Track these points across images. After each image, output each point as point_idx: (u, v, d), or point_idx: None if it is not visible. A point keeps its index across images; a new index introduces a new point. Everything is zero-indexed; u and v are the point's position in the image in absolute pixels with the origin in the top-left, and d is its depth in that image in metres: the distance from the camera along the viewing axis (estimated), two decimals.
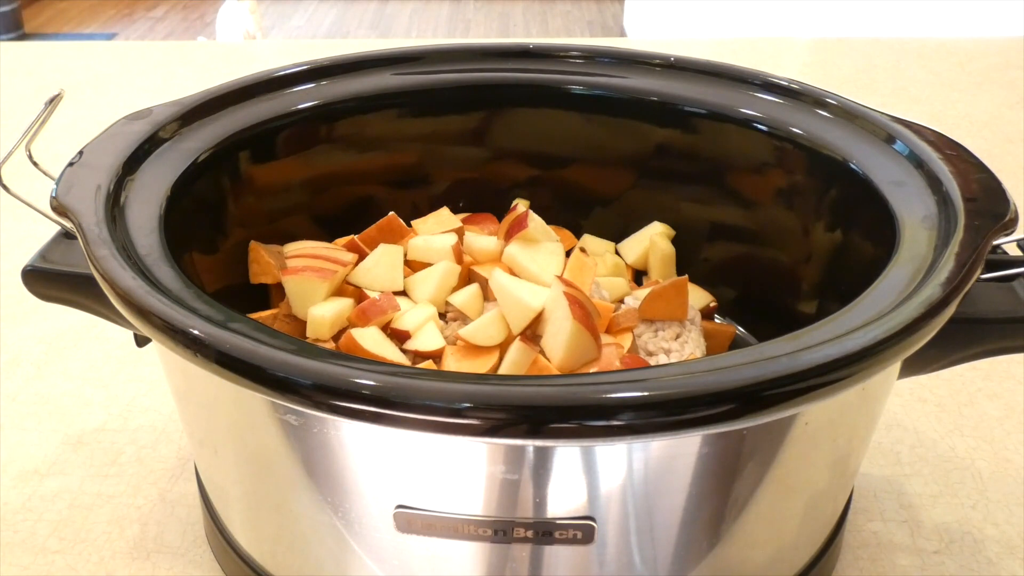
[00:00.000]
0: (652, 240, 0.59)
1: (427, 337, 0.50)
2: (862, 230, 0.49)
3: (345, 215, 0.59)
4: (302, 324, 0.51)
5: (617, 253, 0.61)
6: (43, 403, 0.62)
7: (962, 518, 0.54)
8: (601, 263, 0.58)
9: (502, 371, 0.47)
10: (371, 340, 0.49)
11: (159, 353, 0.45)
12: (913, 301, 0.37)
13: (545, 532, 0.37)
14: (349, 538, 0.40)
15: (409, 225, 0.57)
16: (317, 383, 0.33)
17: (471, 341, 0.49)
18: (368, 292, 0.53)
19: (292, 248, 0.55)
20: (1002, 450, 0.58)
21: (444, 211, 0.58)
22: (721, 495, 0.39)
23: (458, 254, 0.54)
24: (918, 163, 0.48)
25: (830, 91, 0.54)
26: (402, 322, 0.50)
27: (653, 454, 0.36)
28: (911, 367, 0.42)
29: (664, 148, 0.58)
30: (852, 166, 0.49)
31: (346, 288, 0.54)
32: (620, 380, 0.33)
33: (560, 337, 0.46)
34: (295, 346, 0.34)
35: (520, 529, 0.37)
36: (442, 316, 0.53)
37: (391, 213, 0.56)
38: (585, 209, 0.62)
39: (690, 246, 0.60)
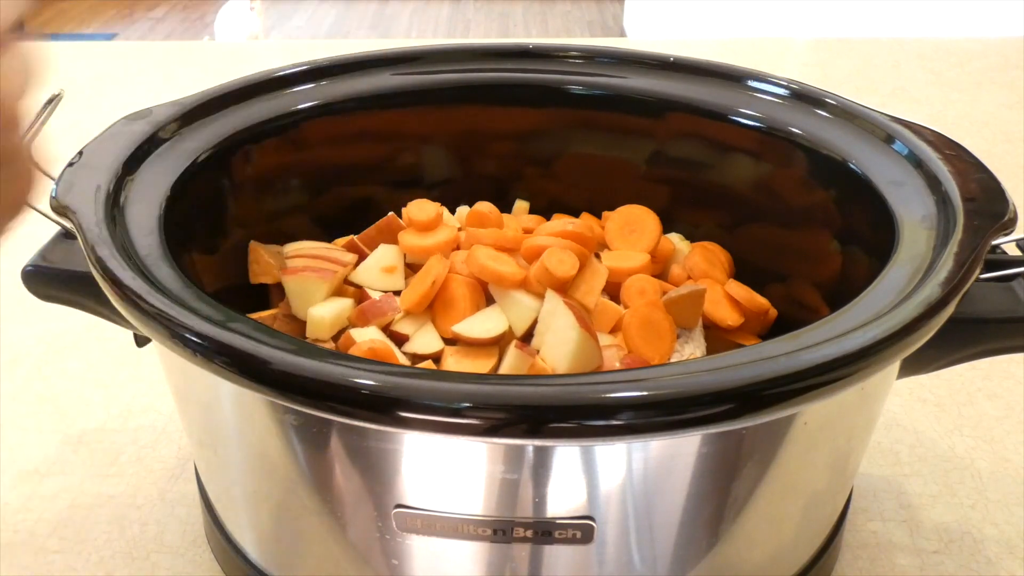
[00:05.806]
0: None
1: (425, 340, 0.50)
2: (861, 230, 0.49)
3: (345, 215, 0.59)
4: (302, 324, 0.51)
5: None
6: (43, 403, 0.62)
7: (961, 518, 0.54)
8: None
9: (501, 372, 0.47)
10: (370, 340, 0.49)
11: (159, 353, 0.45)
12: (912, 301, 0.37)
13: (545, 532, 0.37)
14: (349, 538, 0.40)
15: None
16: (317, 383, 0.33)
17: (466, 336, 0.48)
18: (369, 292, 0.53)
19: (292, 248, 0.55)
20: (1002, 450, 0.58)
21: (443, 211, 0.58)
22: (720, 495, 0.39)
23: None
24: (917, 163, 0.48)
25: (830, 91, 0.54)
26: (401, 324, 0.50)
27: (652, 454, 0.36)
28: (910, 367, 0.42)
29: (663, 148, 0.58)
30: (852, 166, 0.49)
31: (346, 288, 0.54)
32: (620, 380, 0.33)
33: (566, 347, 0.45)
34: (295, 346, 0.34)
35: (520, 529, 0.37)
36: None
37: (391, 213, 0.56)
38: (585, 209, 0.62)
39: None
